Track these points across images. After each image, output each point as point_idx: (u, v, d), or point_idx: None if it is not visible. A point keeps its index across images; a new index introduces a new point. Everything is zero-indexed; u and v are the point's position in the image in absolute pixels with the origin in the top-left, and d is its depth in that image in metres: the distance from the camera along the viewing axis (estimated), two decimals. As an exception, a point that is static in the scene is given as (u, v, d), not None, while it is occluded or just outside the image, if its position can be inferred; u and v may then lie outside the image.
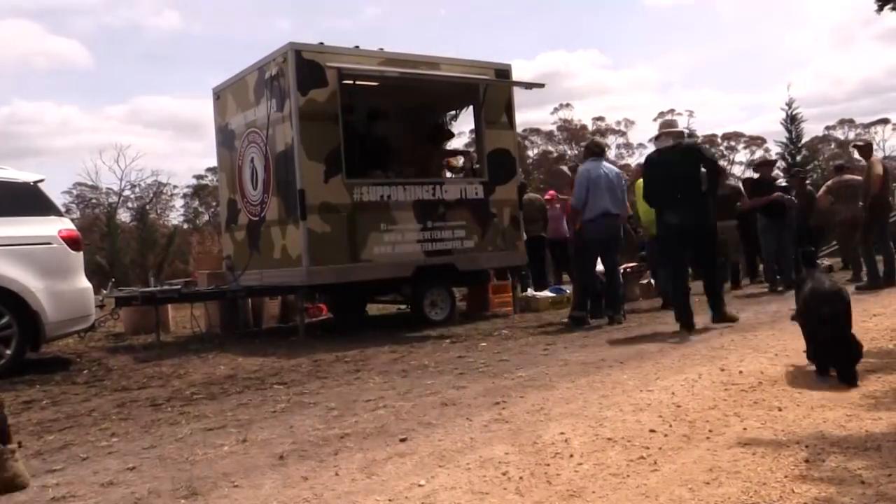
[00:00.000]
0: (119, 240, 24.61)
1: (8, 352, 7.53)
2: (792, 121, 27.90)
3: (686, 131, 10.07)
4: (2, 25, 69.27)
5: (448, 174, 11.64)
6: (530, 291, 12.10)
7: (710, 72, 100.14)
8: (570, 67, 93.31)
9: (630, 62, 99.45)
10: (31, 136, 76.79)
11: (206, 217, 45.54)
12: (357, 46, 9.96)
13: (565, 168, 15.58)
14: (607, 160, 10.02)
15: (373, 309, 12.77)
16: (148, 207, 37.72)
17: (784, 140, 27.83)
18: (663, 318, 9.40)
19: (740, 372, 5.47)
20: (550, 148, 56.01)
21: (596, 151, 9.59)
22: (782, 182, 14.65)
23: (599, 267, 9.64)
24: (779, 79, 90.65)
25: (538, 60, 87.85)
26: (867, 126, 62.21)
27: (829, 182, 13.07)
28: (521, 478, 3.39)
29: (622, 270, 12.56)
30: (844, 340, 4.78)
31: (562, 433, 4.05)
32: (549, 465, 3.54)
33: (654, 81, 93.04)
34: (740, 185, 13.88)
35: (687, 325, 7.87)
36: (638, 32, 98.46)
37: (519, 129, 14.15)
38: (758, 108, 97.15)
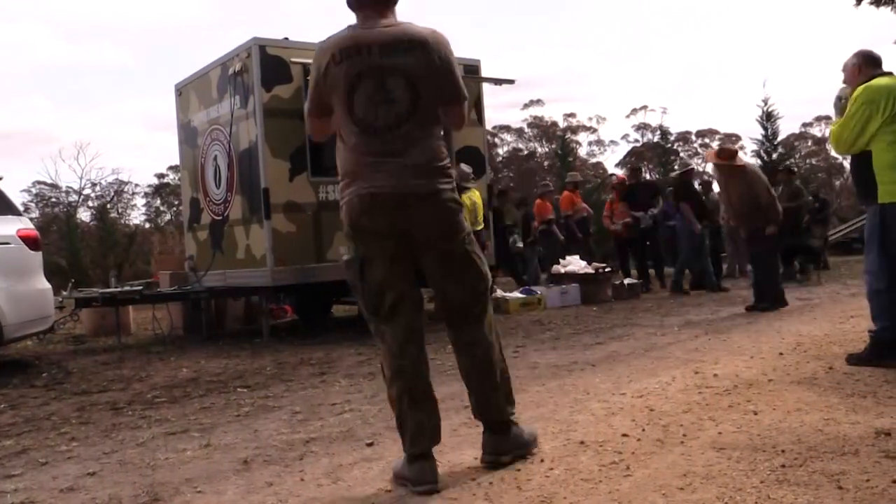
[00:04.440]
0: (79, 240, 24.27)
1: (-37, 354, 7.37)
2: (768, 118, 27.90)
3: None
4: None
5: None
6: (499, 292, 12.05)
7: (693, 68, 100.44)
8: (552, 64, 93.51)
9: (611, 57, 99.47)
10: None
11: (167, 216, 45.16)
12: (324, 42, 9.83)
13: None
14: None
15: (339, 310, 12.68)
16: (108, 206, 37.30)
17: (759, 137, 27.86)
18: (636, 320, 9.41)
19: (715, 375, 5.46)
20: (520, 145, 56.05)
21: None
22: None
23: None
24: (763, 76, 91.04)
25: (523, 57, 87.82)
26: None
27: None
28: (490, 483, 3.34)
29: (595, 270, 12.61)
30: None
31: (533, 437, 4.00)
32: (519, 470, 3.49)
33: (633, 78, 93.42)
34: None
35: None
36: (622, 29, 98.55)
37: (488, 126, 14.12)
38: (741, 105, 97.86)
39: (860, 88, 5.34)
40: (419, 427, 3.43)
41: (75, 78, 78.16)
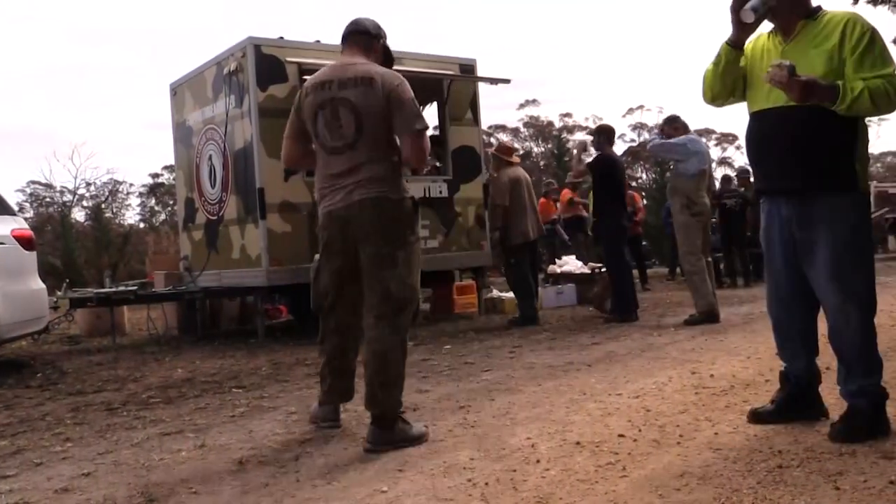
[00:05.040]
0: (73, 240, 24.18)
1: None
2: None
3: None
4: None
5: None
6: (495, 292, 12.03)
7: (689, 67, 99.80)
8: (548, 63, 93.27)
9: (607, 57, 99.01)
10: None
11: (162, 216, 45.08)
12: (318, 41, 9.83)
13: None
14: None
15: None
16: (103, 206, 37.20)
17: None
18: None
19: (711, 375, 5.45)
20: (516, 145, 55.86)
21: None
22: None
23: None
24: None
25: (519, 57, 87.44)
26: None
27: None
28: (486, 484, 3.32)
29: (591, 271, 12.59)
30: None
31: (528, 438, 4.00)
32: (515, 470, 3.48)
33: (630, 77, 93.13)
34: None
35: None
36: (618, 28, 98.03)
37: (484, 126, 14.07)
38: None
39: (858, 16, 3.63)
40: (331, 387, 4.43)
41: (74, 78, 78.21)
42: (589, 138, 10.06)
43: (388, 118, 4.11)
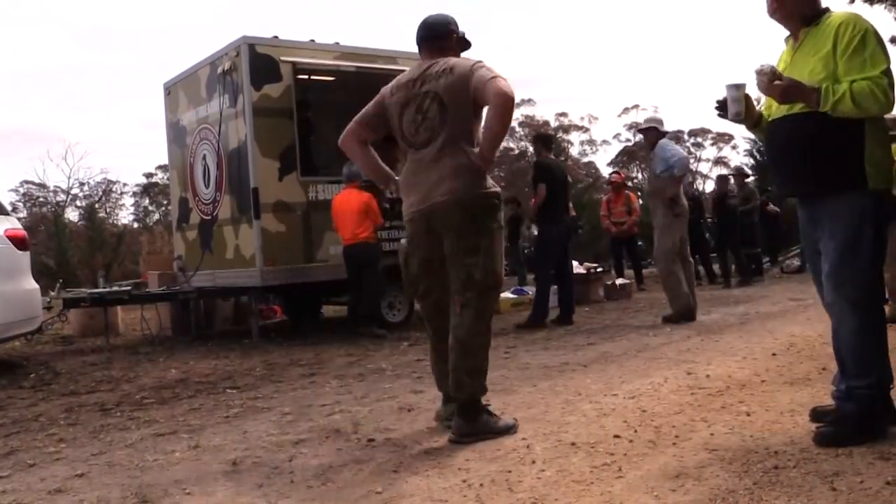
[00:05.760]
0: (67, 240, 24.09)
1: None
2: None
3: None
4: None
5: None
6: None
7: (685, 66, 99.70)
8: (544, 63, 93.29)
9: (603, 56, 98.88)
10: None
11: (156, 216, 45.03)
12: (312, 40, 9.82)
13: None
14: None
15: (329, 311, 12.65)
16: (97, 206, 37.12)
17: (752, 136, 27.99)
18: (628, 320, 9.39)
19: (707, 376, 5.44)
20: (512, 145, 55.84)
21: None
22: None
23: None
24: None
25: (515, 56, 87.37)
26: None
27: None
28: (481, 485, 3.31)
29: (587, 271, 12.59)
30: None
31: (523, 439, 3.99)
32: (510, 471, 3.47)
33: (625, 76, 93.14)
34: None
35: None
36: (614, 27, 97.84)
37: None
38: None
39: (854, 17, 3.58)
40: (440, 374, 4.43)
41: (74, 78, 78.21)
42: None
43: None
